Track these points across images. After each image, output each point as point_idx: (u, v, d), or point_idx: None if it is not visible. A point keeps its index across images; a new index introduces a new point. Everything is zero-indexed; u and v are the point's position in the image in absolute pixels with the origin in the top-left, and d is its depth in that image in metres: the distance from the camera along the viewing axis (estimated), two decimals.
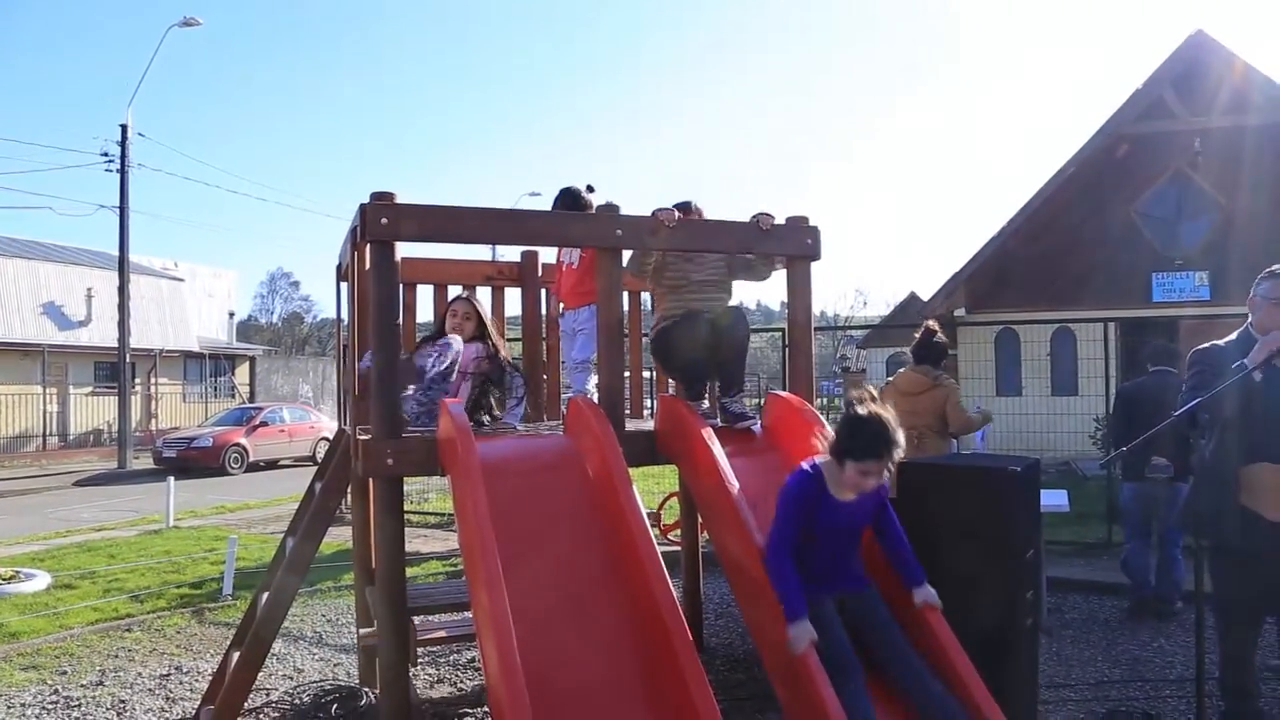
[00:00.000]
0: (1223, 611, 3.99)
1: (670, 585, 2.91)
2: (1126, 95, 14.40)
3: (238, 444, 19.33)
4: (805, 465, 3.13)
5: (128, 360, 21.16)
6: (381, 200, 3.45)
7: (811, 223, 4.16)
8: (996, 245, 14.90)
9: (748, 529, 3.12)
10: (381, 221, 3.42)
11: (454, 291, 4.91)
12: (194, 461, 18.76)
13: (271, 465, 20.18)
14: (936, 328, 5.96)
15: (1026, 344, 14.17)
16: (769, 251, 4.24)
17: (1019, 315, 13.87)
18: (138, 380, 26.01)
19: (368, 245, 3.55)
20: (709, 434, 3.49)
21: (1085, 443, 11.39)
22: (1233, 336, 3.96)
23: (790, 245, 4.13)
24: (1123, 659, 5.31)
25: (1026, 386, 14.28)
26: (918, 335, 5.96)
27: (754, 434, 3.95)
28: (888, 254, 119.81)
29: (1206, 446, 3.91)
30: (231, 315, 38.21)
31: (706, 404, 4.17)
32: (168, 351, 28.85)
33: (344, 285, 4.60)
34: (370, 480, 3.65)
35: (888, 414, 3.03)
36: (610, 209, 3.88)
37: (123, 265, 20.82)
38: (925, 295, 20.74)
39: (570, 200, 4.46)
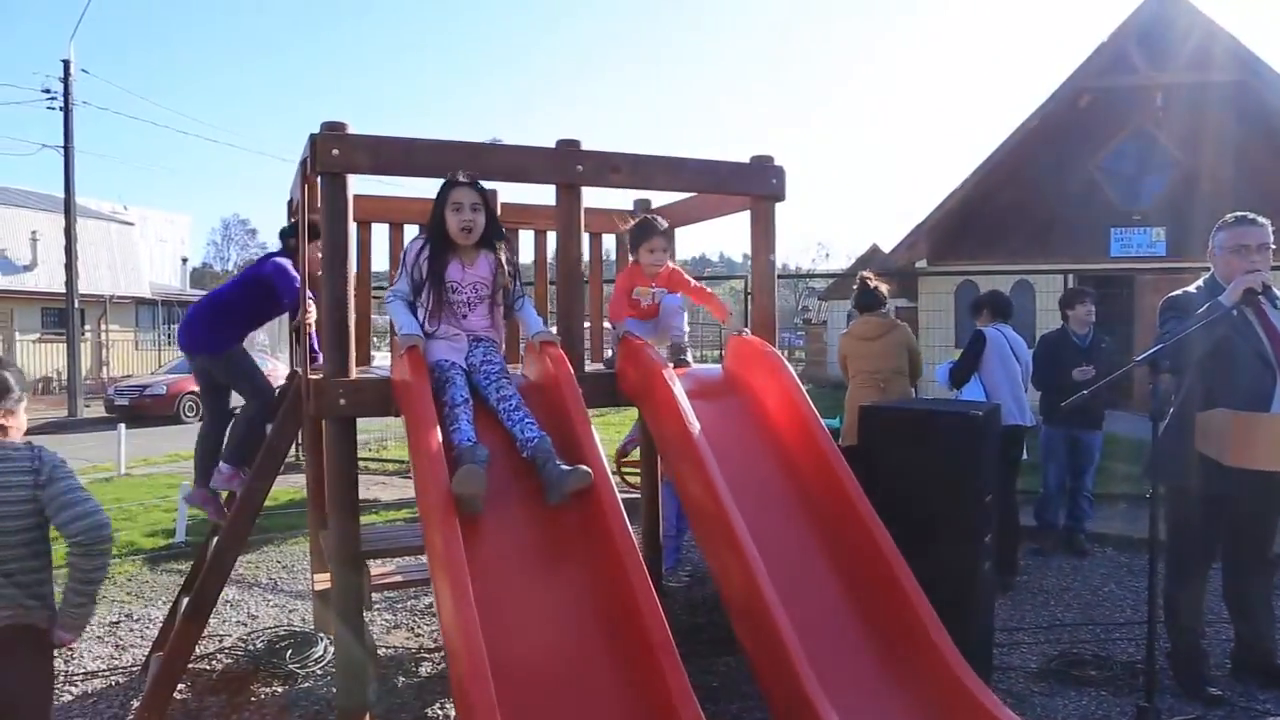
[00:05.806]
0: (1178, 555, 4.06)
1: (629, 529, 2.86)
2: (1092, 49, 14.39)
3: (193, 392, 18.92)
4: None
5: (76, 306, 20.53)
6: (333, 130, 3.30)
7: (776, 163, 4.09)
8: (959, 197, 14.91)
9: (709, 470, 3.07)
10: (333, 152, 3.27)
11: (411, 231, 4.66)
12: (147, 410, 18.40)
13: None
14: (870, 275, 6.01)
15: None
16: (734, 191, 4.16)
17: (979, 267, 13.92)
18: (87, 327, 25.33)
19: (318, 178, 3.40)
20: (670, 374, 3.42)
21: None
22: (1200, 283, 3.97)
23: (755, 184, 4.05)
24: (1075, 604, 5.40)
25: None
26: (855, 288, 6.01)
27: (715, 375, 3.92)
28: (850, 207, 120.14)
29: (1175, 392, 3.93)
30: (185, 261, 37.36)
31: None
32: (118, 297, 28.13)
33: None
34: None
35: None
36: (571, 144, 3.76)
37: (69, 207, 20.10)
38: (887, 248, 20.75)
39: None
